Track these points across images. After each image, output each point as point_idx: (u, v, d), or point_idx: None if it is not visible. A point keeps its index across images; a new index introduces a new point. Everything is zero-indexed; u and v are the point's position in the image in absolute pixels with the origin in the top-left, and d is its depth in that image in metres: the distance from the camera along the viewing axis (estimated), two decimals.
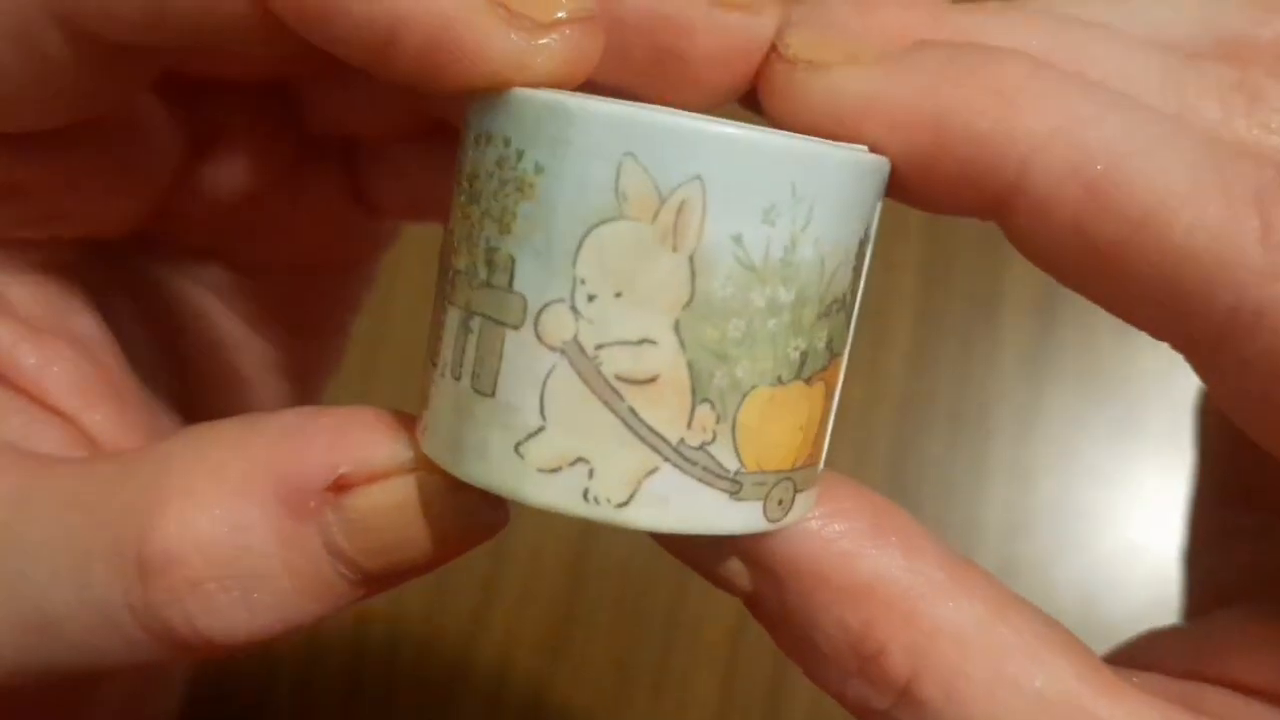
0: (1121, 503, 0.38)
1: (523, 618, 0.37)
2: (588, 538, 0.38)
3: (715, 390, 0.13)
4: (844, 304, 0.14)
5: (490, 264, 0.14)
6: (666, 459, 0.13)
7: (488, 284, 0.14)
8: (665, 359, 0.13)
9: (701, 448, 0.13)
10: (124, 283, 0.21)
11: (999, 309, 0.40)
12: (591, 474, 0.13)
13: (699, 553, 0.16)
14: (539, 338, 0.13)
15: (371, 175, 0.23)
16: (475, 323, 0.14)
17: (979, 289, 0.40)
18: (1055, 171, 0.14)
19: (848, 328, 0.15)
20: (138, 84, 0.18)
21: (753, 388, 0.13)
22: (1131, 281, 0.14)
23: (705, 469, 0.13)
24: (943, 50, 0.15)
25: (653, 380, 0.13)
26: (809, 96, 0.15)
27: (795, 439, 0.14)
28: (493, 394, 0.14)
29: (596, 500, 0.14)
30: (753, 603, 0.16)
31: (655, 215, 0.13)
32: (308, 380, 0.25)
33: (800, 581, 0.15)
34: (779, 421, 0.14)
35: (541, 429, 0.13)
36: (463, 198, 0.14)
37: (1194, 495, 0.22)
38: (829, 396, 0.15)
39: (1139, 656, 0.17)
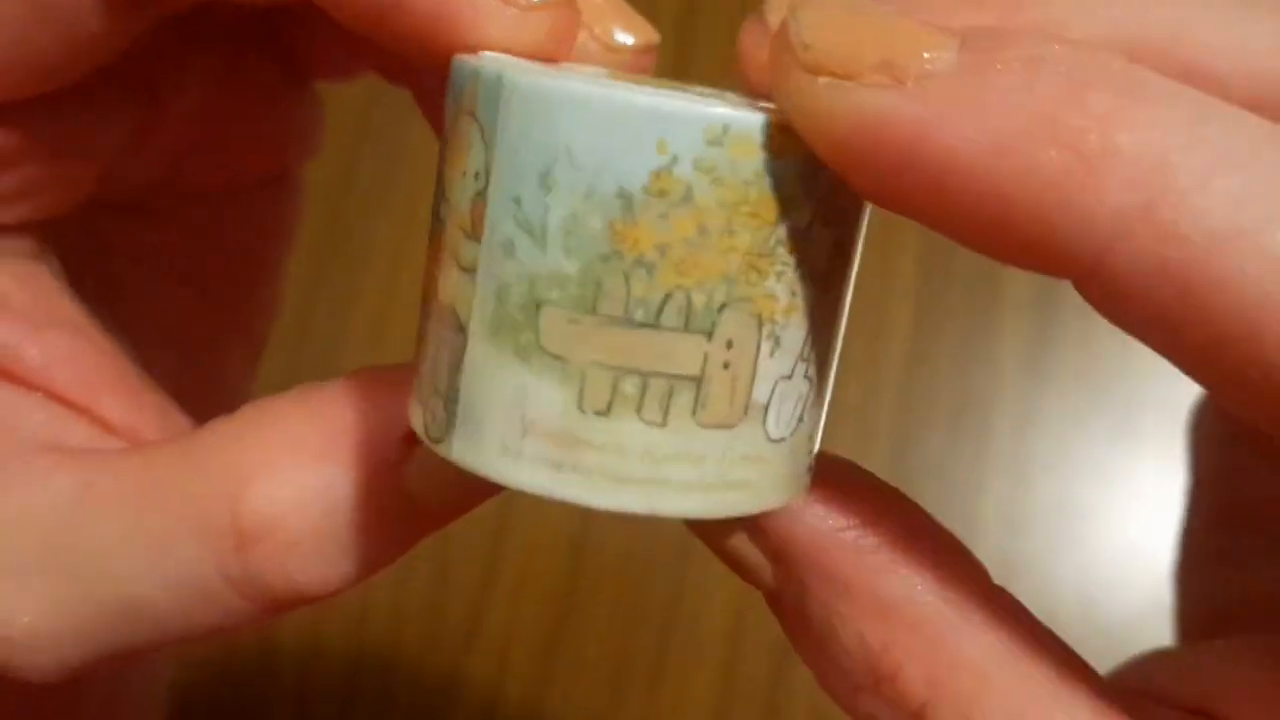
0: (1120, 501, 0.38)
1: (520, 615, 0.37)
2: (585, 534, 0.38)
3: None
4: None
5: None
6: None
7: None
8: None
9: None
10: (74, 258, 0.21)
11: (998, 306, 0.40)
12: None
13: (726, 543, 0.16)
14: None
15: (297, 38, 0.22)
16: None
17: (978, 286, 0.40)
18: (1140, 266, 0.11)
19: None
20: (133, 35, 0.18)
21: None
22: (1222, 378, 0.12)
23: None
24: (1011, 68, 0.12)
25: None
26: (833, 121, 0.12)
27: None
28: None
29: None
30: (773, 599, 0.16)
31: None
32: (253, 329, 0.25)
33: (824, 588, 0.15)
34: None
35: None
36: None
37: (1186, 515, 0.22)
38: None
39: (1147, 680, 0.17)
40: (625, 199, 0.13)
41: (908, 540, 0.15)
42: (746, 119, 0.13)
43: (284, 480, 0.16)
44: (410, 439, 0.16)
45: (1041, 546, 0.37)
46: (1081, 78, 0.12)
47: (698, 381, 0.13)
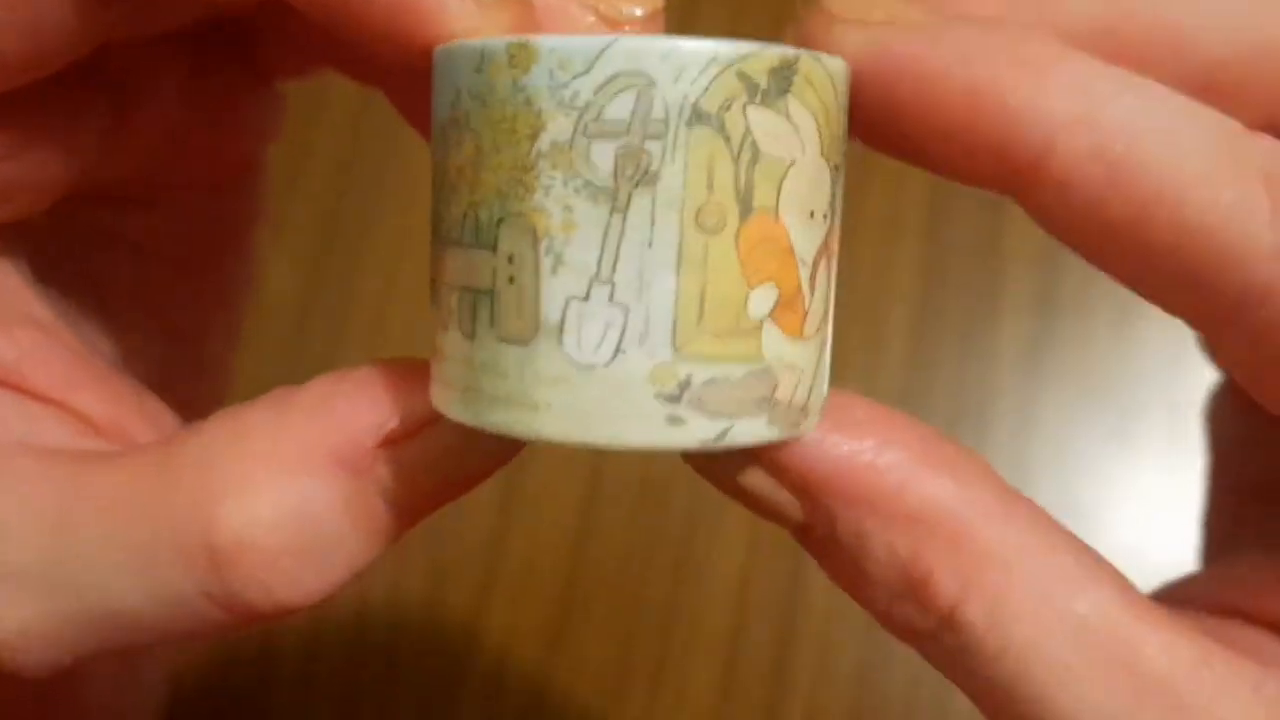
0: (1119, 502, 0.38)
1: (521, 610, 0.37)
2: (585, 534, 0.38)
3: None
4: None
5: None
6: None
7: None
8: None
9: None
10: (50, 248, 0.21)
11: (997, 307, 0.40)
12: None
13: (749, 487, 0.16)
14: None
15: (256, 41, 0.22)
16: None
17: (977, 287, 0.40)
18: (1078, 151, 0.15)
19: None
20: (102, 36, 0.18)
21: None
22: (1147, 259, 0.15)
23: None
24: (979, 24, 0.16)
25: None
26: (844, 49, 0.15)
27: None
28: None
29: None
30: (803, 534, 0.16)
31: None
32: (232, 305, 0.25)
33: (852, 511, 0.15)
34: None
35: None
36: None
37: (1206, 496, 0.22)
38: None
39: (1172, 595, 0.18)
40: (442, 134, 0.15)
41: (923, 453, 0.16)
42: (496, 44, 0.14)
43: (259, 498, 0.16)
44: (387, 440, 0.16)
45: None
46: (1032, 32, 0.15)
47: (491, 295, 0.14)
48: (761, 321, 0.14)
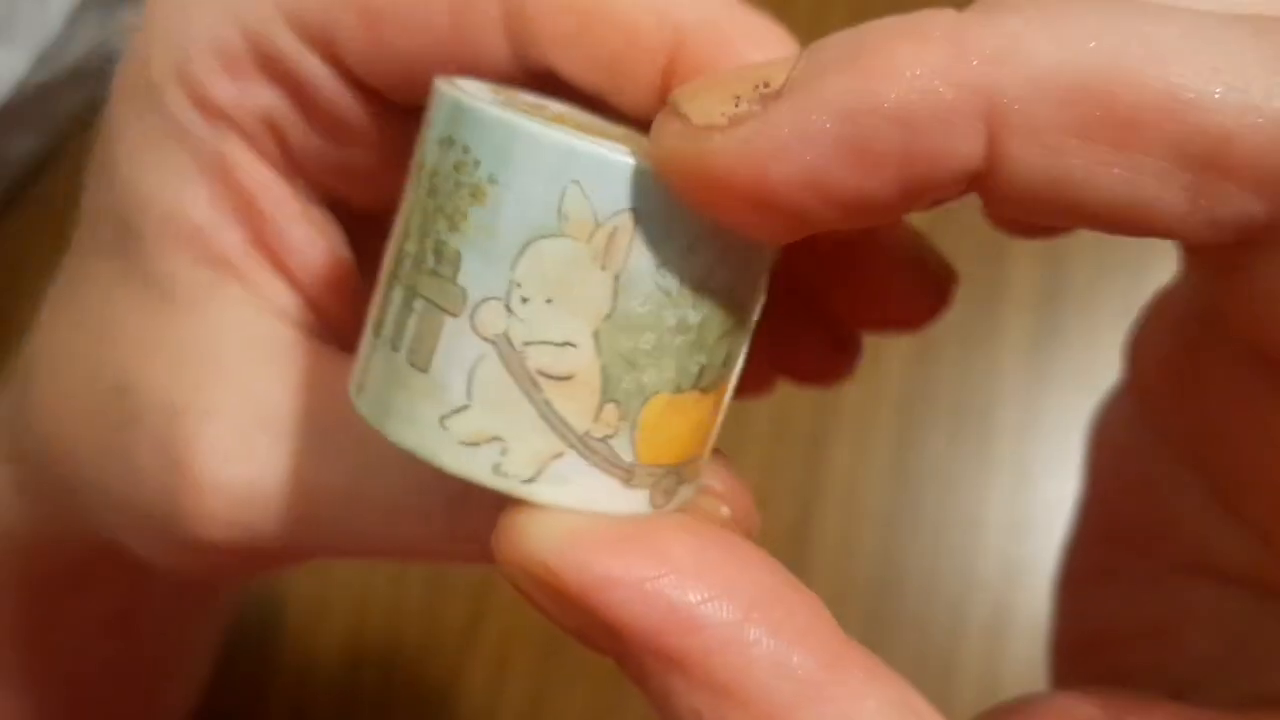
0: None
1: (520, 614, 0.37)
2: None
3: (622, 392, 0.15)
4: (745, 325, 0.16)
5: (439, 255, 0.15)
6: (571, 446, 0.15)
7: (434, 272, 0.15)
8: (582, 361, 0.15)
9: (604, 440, 0.15)
10: None
11: (1000, 306, 0.40)
12: (504, 451, 0.15)
13: (568, 619, 0.16)
14: (474, 328, 0.15)
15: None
16: (418, 304, 0.15)
17: (980, 286, 0.40)
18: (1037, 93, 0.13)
19: (745, 344, 0.16)
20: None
21: (655, 393, 0.15)
22: (1144, 159, 0.13)
23: (604, 458, 0.15)
24: (832, 46, 0.13)
25: (569, 378, 0.15)
26: (703, 172, 0.14)
27: (685, 439, 0.16)
28: (426, 370, 0.15)
29: (505, 474, 0.15)
30: (616, 661, 0.16)
31: (590, 237, 0.14)
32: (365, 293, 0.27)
33: (657, 665, 0.14)
34: (672, 423, 0.15)
35: (466, 407, 0.15)
36: (420, 189, 0.15)
37: (1075, 525, 0.21)
38: (719, 404, 0.16)
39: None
40: None
41: (744, 614, 0.14)
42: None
43: None
44: None
45: (1044, 547, 0.37)
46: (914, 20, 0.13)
47: None
48: None
